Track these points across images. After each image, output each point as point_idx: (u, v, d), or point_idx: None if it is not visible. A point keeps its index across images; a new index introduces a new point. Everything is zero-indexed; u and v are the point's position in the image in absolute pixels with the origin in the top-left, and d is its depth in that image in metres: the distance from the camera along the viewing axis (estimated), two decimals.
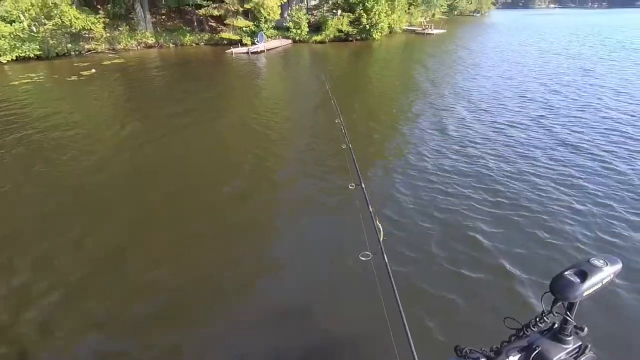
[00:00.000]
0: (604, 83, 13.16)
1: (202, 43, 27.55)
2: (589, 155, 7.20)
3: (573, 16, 65.41)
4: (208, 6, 25.59)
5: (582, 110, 10.14)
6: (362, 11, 27.76)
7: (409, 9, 40.82)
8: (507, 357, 0.95)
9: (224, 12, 25.79)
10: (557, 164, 6.87)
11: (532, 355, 0.92)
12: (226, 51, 23.35)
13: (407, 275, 4.08)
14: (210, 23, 29.44)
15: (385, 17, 29.25)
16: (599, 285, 0.89)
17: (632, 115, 9.57)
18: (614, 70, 15.39)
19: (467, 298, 3.81)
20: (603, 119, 9.42)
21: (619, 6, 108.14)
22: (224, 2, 25.27)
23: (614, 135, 8.25)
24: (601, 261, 0.92)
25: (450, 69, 17.19)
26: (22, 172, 6.92)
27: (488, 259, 4.40)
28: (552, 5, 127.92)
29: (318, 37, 27.95)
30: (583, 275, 0.89)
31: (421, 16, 44.95)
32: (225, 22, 26.55)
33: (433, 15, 51.93)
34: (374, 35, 28.88)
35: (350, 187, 2.96)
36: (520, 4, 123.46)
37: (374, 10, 27.73)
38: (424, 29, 35.81)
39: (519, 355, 0.95)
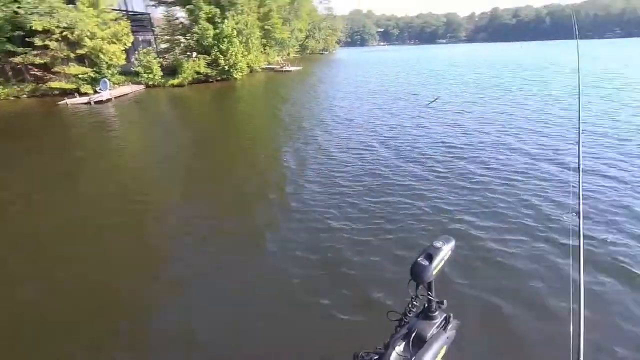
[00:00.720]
0: (420, 99, 16.26)
1: (24, 95, 22.68)
2: (425, 164, 8.46)
3: (397, 52, 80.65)
4: (26, 53, 21.34)
5: (414, 127, 12.07)
6: (218, 53, 27.77)
7: (264, 49, 43.17)
8: (394, 347, 1.03)
9: (50, 59, 21.95)
10: (400, 172, 7.92)
11: (411, 338, 1.04)
12: (58, 103, 19.67)
13: None
14: (33, 72, 24.57)
15: (242, 57, 29.96)
16: (442, 262, 1.04)
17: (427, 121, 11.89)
18: (427, 87, 19.25)
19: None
20: (423, 133, 11.37)
21: (426, 43, 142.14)
22: (48, 48, 21.50)
23: (438, 146, 9.94)
24: (440, 242, 1.07)
25: (309, 102, 18.44)
26: None
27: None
28: (382, 43, 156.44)
29: (175, 81, 26.48)
30: (430, 258, 1.03)
31: (277, 55, 48.15)
32: (53, 70, 22.58)
33: (288, 54, 56.37)
34: (234, 75, 29.11)
35: None
36: (358, 43, 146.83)
37: (230, 51, 28.11)
38: (282, 67, 38.25)
39: (404, 342, 1.04)
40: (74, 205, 7.20)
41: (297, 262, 4.95)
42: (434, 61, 45.10)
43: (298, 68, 38.44)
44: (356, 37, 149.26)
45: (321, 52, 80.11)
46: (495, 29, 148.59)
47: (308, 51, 73.39)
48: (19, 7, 19.20)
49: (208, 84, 27.34)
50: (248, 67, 32.88)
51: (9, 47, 20.97)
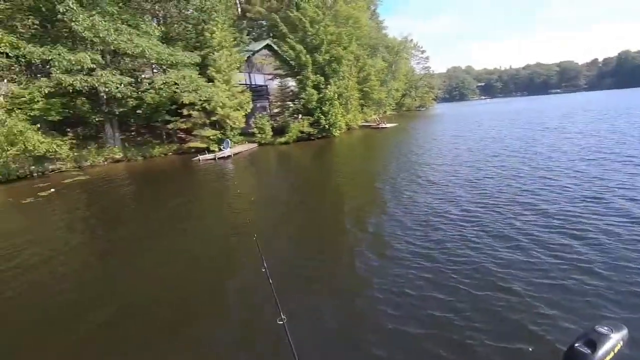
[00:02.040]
0: (539, 149, 14.68)
1: (171, 153, 28.60)
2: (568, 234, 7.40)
3: (502, 104, 76.10)
4: (176, 121, 27.37)
5: (535, 182, 10.89)
6: (320, 114, 30.84)
7: (362, 108, 46.05)
8: None
9: (192, 124, 27.60)
10: (536, 240, 7.00)
11: None
12: (193, 159, 24.20)
13: None
14: (179, 135, 31.15)
15: (341, 117, 32.55)
16: (611, 354, 0.76)
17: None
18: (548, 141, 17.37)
19: None
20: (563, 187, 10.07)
21: (535, 94, 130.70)
22: (191, 116, 27.25)
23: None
24: (606, 328, 0.79)
25: (404, 157, 18.57)
26: None
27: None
28: (484, 97, 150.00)
29: (282, 139, 30.03)
30: (592, 345, 0.74)
31: (374, 114, 50.67)
32: (193, 133, 28.21)
33: (385, 112, 58.76)
34: (333, 133, 31.57)
35: None
36: (457, 98, 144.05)
37: (331, 112, 30.93)
38: (378, 124, 39.87)
39: None
40: (200, 232, 8.59)
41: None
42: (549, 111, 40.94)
43: (394, 125, 39.54)
44: (455, 93, 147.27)
45: (418, 108, 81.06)
46: (626, 73, 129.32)
47: (404, 108, 75.22)
48: (177, 88, 25.24)
49: (310, 141, 30.14)
50: (346, 125, 35.32)
51: (167, 117, 27.37)
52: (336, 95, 31.89)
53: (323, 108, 30.79)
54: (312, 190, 13.77)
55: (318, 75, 31.10)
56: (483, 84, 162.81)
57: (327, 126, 31.07)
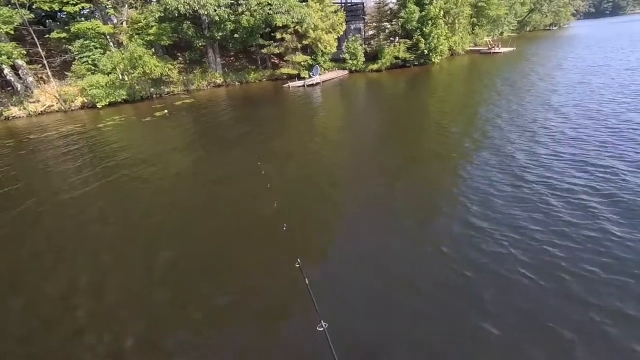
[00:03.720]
0: None
1: (265, 79, 29.37)
2: None
3: None
4: (269, 45, 27.39)
5: None
6: (419, 36, 27.21)
7: (473, 29, 39.11)
8: None
9: (284, 49, 27.32)
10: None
11: None
12: (283, 85, 24.46)
13: None
14: (272, 60, 31.46)
15: (445, 39, 28.26)
16: None
17: None
18: None
19: None
20: None
21: None
22: (284, 40, 26.86)
23: None
24: None
25: (511, 95, 15.48)
26: (107, 199, 7.64)
27: None
28: None
29: (374, 66, 27.92)
30: None
31: (487, 36, 42.62)
32: (284, 58, 28.10)
33: (501, 33, 49.06)
34: (432, 59, 27.95)
35: None
36: (607, 12, 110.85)
37: (433, 34, 26.98)
38: (489, 48, 33.76)
39: None
40: (286, 143, 8.91)
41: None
42: None
43: (510, 49, 32.95)
44: (605, 5, 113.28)
45: (548, 27, 65.64)
46: None
47: (528, 28, 61.55)
48: (270, 9, 24.64)
49: (404, 69, 27.40)
50: (449, 50, 30.77)
51: (261, 41, 27.49)
52: (442, 12, 27.31)
53: (424, 29, 26.92)
54: (393, 122, 12.76)
55: None
56: None
57: (426, 51, 27.45)
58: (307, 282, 3.51)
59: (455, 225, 5.52)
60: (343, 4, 31.39)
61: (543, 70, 20.83)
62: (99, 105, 21.06)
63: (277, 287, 4.46)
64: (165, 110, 18.75)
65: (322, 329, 2.48)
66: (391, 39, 29.72)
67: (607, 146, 8.07)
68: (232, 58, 32.42)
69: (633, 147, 7.88)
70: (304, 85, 23.61)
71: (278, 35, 26.25)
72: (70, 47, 21.93)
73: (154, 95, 24.20)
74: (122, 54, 21.27)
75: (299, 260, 4.33)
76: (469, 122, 11.58)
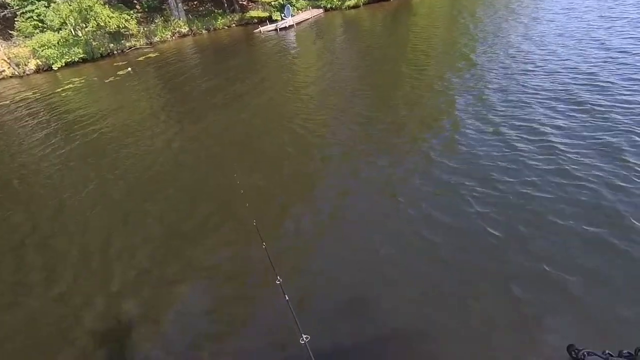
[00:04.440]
0: None
1: (234, 24, 27.12)
2: None
3: None
4: None
5: None
6: None
7: None
8: None
9: None
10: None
11: None
12: (254, 31, 22.68)
13: None
14: (240, 2, 28.83)
15: None
16: None
17: None
18: None
19: None
20: None
21: None
22: None
23: None
24: None
25: (505, 29, 14.60)
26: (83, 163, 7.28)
27: None
28: None
29: (351, 2, 25.84)
30: None
31: None
32: None
33: None
34: None
35: None
36: None
37: None
38: None
39: None
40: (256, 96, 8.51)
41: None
42: None
43: None
44: None
45: None
46: None
47: None
48: None
49: (383, 3, 25.45)
50: None
51: None
52: None
53: None
54: (373, 65, 12.08)
55: None
56: None
57: None
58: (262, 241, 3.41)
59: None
60: None
61: None
62: (55, 67, 19.38)
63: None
64: (129, 68, 17.38)
65: (278, 282, 2.51)
66: None
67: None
68: (195, 2, 29.58)
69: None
70: (276, 29, 21.90)
71: None
72: (8, 0, 19.53)
73: (115, 52, 22.29)
74: (70, 5, 19.06)
75: (255, 221, 4.17)
76: (444, 62, 11.00)
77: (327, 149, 6.79)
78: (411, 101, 8.44)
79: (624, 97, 6.52)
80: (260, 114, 9.26)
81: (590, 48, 9.57)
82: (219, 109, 10.03)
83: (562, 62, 8.97)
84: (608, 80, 7.37)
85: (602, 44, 9.77)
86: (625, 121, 5.78)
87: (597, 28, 11.21)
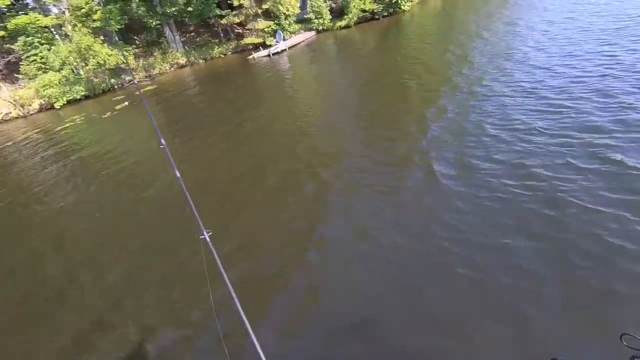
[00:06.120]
0: None
1: (229, 52, 27.84)
2: None
3: None
4: (228, 14, 25.70)
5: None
6: None
7: None
8: None
9: (244, 17, 25.66)
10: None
11: None
12: (248, 57, 23.24)
13: None
14: (236, 31, 29.70)
15: None
16: None
17: None
18: None
19: None
20: None
21: None
22: (242, 6, 25.11)
23: None
24: None
25: (499, 37, 14.66)
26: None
27: None
28: None
29: (342, 23, 26.42)
30: None
31: None
32: (247, 27, 26.49)
33: None
34: (402, 7, 26.38)
35: None
36: None
37: None
38: None
39: None
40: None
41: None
42: None
43: None
44: None
45: None
46: None
47: None
48: None
49: (374, 22, 25.95)
50: None
51: (218, 11, 25.72)
52: None
53: None
54: (368, 84, 12.19)
55: None
56: None
57: None
58: None
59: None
60: None
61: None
62: (56, 105, 20.05)
63: None
64: (126, 102, 17.88)
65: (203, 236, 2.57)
66: None
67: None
68: (192, 34, 30.54)
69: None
70: (269, 55, 22.43)
71: (235, 2, 24.52)
72: (13, 46, 20.48)
73: (116, 86, 23.01)
74: (69, 47, 19.90)
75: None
76: (437, 77, 11.06)
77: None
78: (407, 120, 8.46)
79: None
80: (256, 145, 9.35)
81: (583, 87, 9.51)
82: (206, 141, 10.16)
83: (561, 79, 8.94)
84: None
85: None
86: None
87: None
